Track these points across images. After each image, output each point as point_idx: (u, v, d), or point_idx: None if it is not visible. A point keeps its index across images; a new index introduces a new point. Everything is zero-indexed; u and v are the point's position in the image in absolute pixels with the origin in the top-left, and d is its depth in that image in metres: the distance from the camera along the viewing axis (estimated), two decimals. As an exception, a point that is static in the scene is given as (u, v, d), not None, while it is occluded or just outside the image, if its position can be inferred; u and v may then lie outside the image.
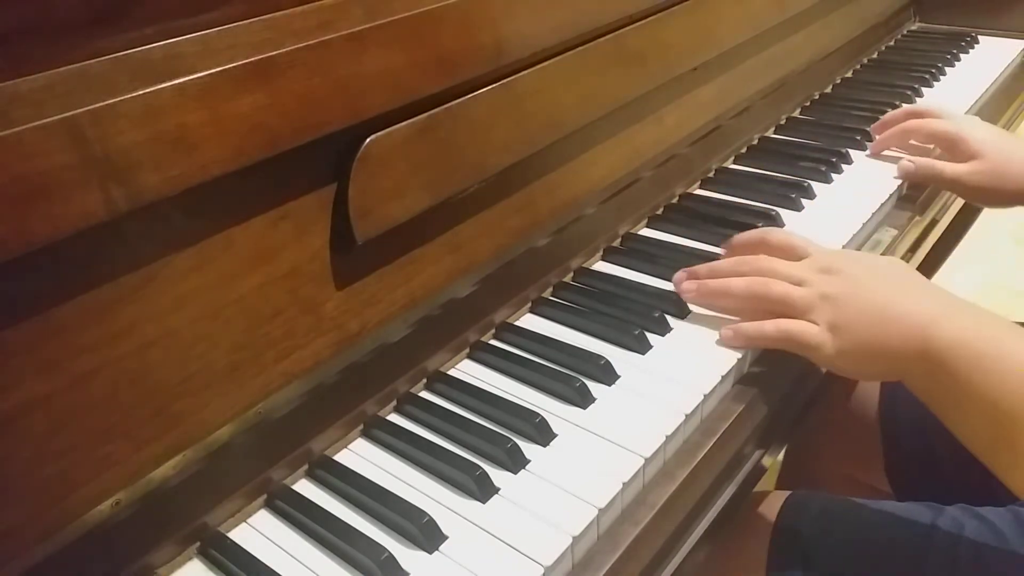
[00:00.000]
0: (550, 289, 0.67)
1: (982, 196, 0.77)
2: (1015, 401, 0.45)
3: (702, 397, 0.53)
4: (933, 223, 0.83)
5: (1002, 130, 0.80)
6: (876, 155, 0.84)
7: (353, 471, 0.50)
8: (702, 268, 0.62)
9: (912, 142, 0.83)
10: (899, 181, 0.79)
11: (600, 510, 0.46)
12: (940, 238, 0.89)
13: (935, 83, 1.04)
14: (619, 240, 0.73)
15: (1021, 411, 0.45)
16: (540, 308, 0.65)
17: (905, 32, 1.23)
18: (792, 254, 0.59)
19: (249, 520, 0.49)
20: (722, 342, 0.57)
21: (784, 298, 0.55)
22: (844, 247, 0.70)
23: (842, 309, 0.53)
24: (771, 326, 0.55)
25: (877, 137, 0.84)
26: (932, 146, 0.81)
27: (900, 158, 0.80)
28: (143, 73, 0.40)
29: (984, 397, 0.46)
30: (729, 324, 0.58)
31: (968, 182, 0.74)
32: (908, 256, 0.79)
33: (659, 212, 0.77)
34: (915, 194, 0.80)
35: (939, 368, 0.48)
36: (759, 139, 0.91)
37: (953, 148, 0.76)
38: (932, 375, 0.49)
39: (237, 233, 0.45)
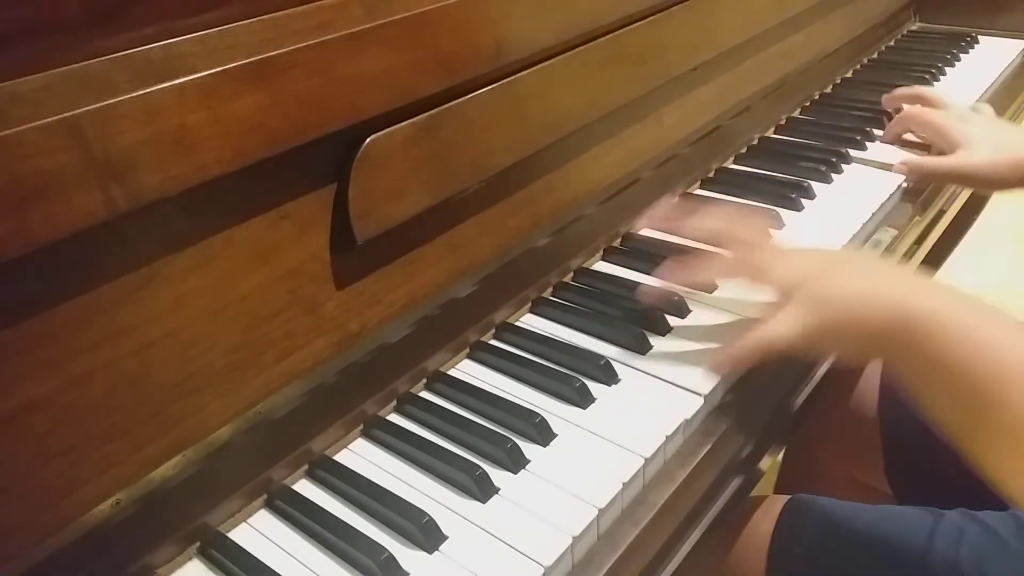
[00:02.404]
0: (550, 289, 0.67)
1: (976, 182, 0.79)
2: (987, 375, 0.45)
3: (703, 397, 0.53)
4: (933, 223, 0.83)
5: (995, 119, 0.82)
6: (889, 142, 0.88)
7: (353, 471, 0.50)
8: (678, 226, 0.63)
9: (909, 136, 0.87)
10: (899, 181, 0.79)
11: (600, 510, 0.46)
12: (940, 238, 0.89)
13: (935, 83, 1.04)
14: (619, 240, 0.73)
15: (993, 386, 0.44)
16: (540, 308, 0.65)
17: (905, 32, 1.23)
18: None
19: (249, 520, 0.49)
20: (712, 371, 0.55)
21: (766, 271, 0.55)
22: (844, 247, 0.70)
23: (823, 283, 0.52)
24: (740, 349, 0.53)
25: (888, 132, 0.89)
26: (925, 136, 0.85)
27: (901, 156, 0.82)
28: (143, 73, 0.40)
29: (958, 372, 0.46)
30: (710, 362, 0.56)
31: (962, 172, 0.77)
32: (908, 256, 0.79)
33: (659, 212, 0.77)
34: (916, 193, 0.80)
35: (915, 342, 0.48)
36: (759, 139, 0.91)
37: (940, 138, 0.80)
38: (909, 349, 0.48)
39: (237, 233, 0.45)
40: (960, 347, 0.46)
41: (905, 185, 0.80)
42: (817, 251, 0.59)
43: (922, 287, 0.50)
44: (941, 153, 0.80)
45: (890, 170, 0.81)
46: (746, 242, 0.58)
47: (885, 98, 0.92)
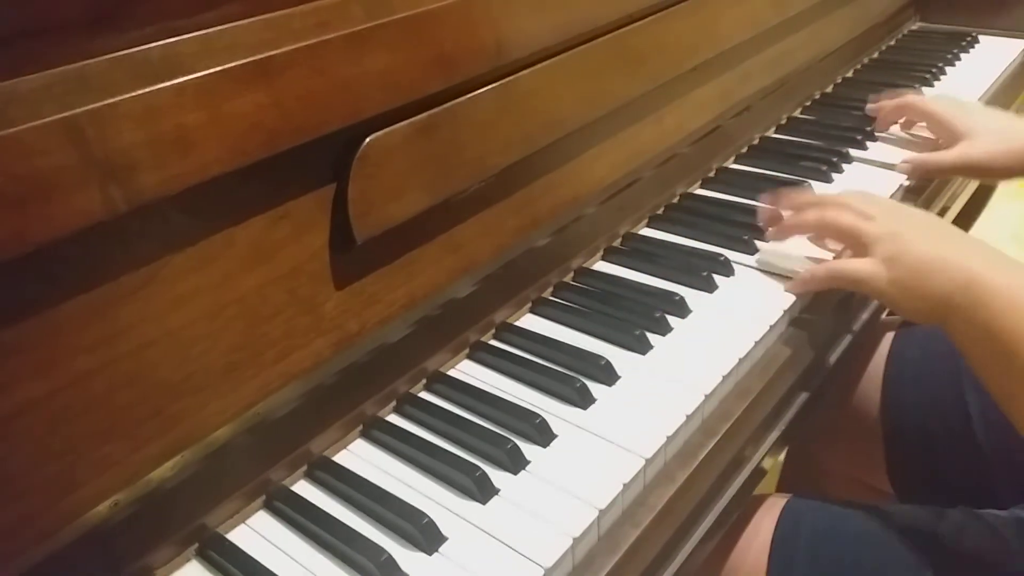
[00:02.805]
0: (550, 289, 0.67)
1: (982, 173, 0.80)
2: None
3: (703, 397, 0.53)
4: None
5: (995, 109, 0.83)
6: (882, 130, 0.89)
7: (352, 472, 0.50)
8: (785, 198, 0.68)
9: (908, 133, 0.88)
10: (900, 180, 0.79)
11: (601, 511, 0.46)
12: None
13: (936, 83, 1.04)
14: (620, 240, 0.73)
15: None
16: (540, 308, 0.65)
17: (906, 32, 1.23)
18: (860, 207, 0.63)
19: (248, 521, 0.48)
20: (789, 290, 0.63)
21: (852, 228, 0.60)
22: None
23: (905, 243, 0.56)
24: (822, 269, 0.61)
25: (875, 106, 0.90)
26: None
27: (901, 156, 0.82)
28: (142, 73, 0.40)
29: (1007, 340, 0.49)
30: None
31: (966, 163, 0.77)
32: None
33: (660, 212, 0.77)
34: (917, 192, 0.80)
35: (979, 314, 0.51)
36: (760, 139, 0.91)
37: (940, 129, 0.81)
38: (972, 321, 0.51)
39: (236, 233, 0.45)
40: (1012, 316, 0.49)
41: (907, 184, 0.80)
42: (898, 209, 0.63)
43: (988, 258, 0.53)
44: (940, 148, 0.79)
45: (892, 169, 0.81)
46: (839, 204, 0.63)
47: (870, 106, 0.90)
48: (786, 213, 0.69)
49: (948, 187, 0.85)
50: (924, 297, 0.55)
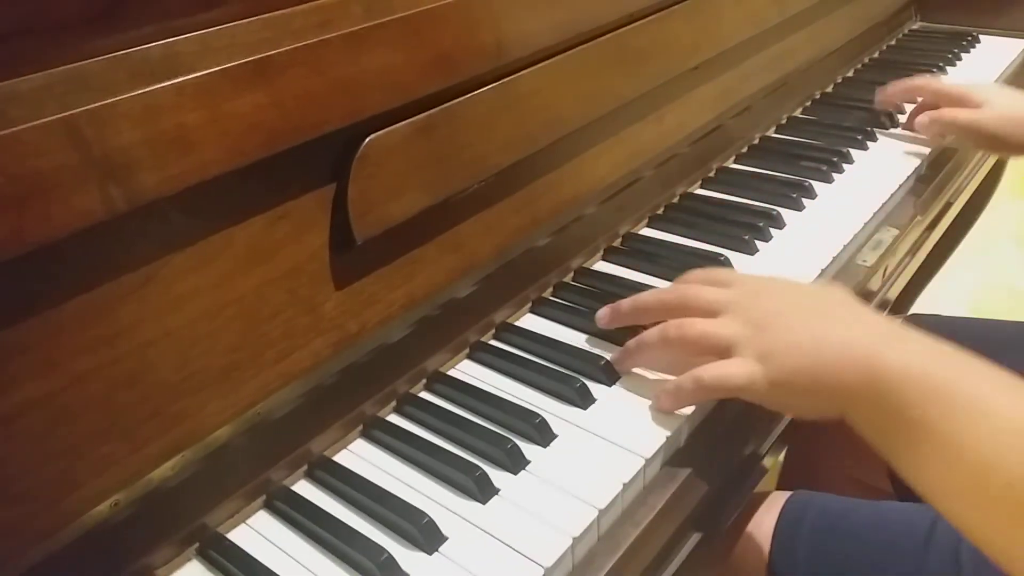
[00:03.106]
0: (550, 289, 0.66)
1: (997, 143, 0.80)
2: (988, 453, 0.39)
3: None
4: (935, 222, 0.83)
5: (1010, 88, 0.85)
6: (881, 104, 0.90)
7: (352, 472, 0.50)
8: (624, 303, 0.57)
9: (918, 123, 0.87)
10: (901, 180, 0.79)
11: (600, 511, 0.46)
12: (941, 238, 0.89)
13: (936, 82, 1.03)
14: (620, 240, 0.73)
15: (999, 465, 0.39)
16: (540, 308, 0.65)
17: (906, 31, 1.23)
18: (716, 283, 0.53)
19: (248, 521, 0.48)
20: (657, 407, 0.52)
21: (703, 336, 0.49)
22: (846, 246, 0.70)
23: (772, 334, 0.47)
24: (688, 381, 0.49)
25: (883, 95, 0.90)
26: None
27: (905, 156, 0.82)
28: (141, 72, 0.40)
29: (947, 442, 0.40)
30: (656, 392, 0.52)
31: (982, 126, 0.78)
32: (909, 256, 0.78)
33: (660, 212, 0.77)
34: (918, 192, 0.80)
35: (887, 401, 0.42)
36: (760, 138, 0.91)
37: (960, 102, 0.81)
38: (879, 409, 0.43)
39: (236, 233, 0.45)
40: (944, 416, 0.40)
41: (920, 173, 0.80)
42: (755, 288, 0.52)
43: (888, 335, 0.45)
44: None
45: (893, 168, 0.81)
46: (679, 304, 0.53)
47: (880, 99, 0.91)
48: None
49: (950, 185, 0.85)
50: (814, 393, 0.45)
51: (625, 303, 0.57)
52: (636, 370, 0.56)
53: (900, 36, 1.21)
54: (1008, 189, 1.45)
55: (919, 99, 0.88)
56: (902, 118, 0.92)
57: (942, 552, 0.56)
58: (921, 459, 0.42)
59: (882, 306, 0.77)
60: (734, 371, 0.47)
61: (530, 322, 0.63)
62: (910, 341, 0.44)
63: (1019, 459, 0.38)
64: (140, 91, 0.39)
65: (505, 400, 0.54)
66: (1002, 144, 0.80)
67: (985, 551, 0.40)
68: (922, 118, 0.83)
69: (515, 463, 0.49)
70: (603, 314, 0.58)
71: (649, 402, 0.53)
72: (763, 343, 0.47)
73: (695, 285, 0.54)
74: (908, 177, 0.81)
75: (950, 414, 0.40)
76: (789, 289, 0.52)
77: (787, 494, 0.65)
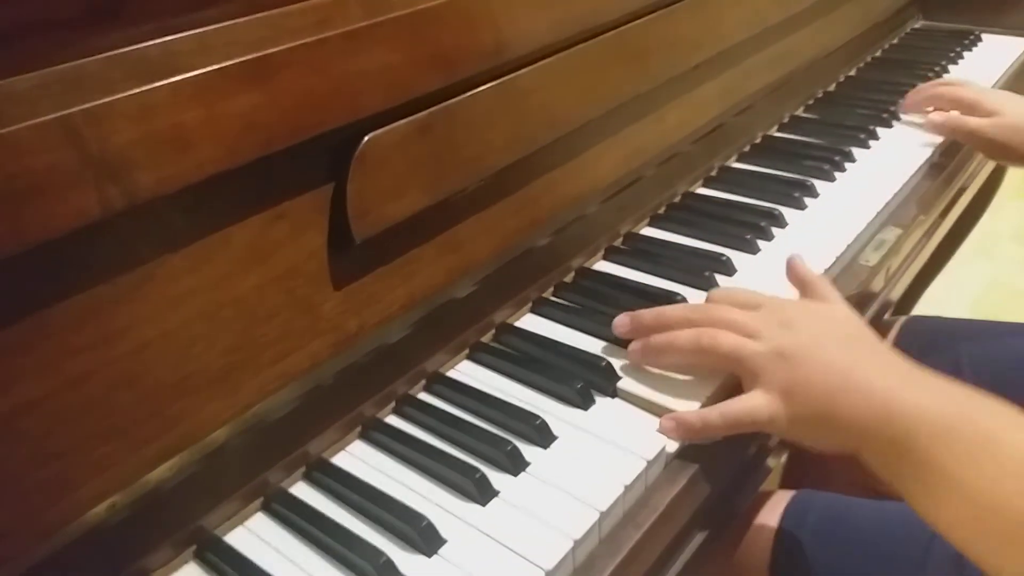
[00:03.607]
0: (550, 289, 0.66)
1: (1004, 152, 0.82)
2: (999, 494, 0.41)
3: (704, 398, 0.53)
4: (938, 222, 0.83)
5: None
6: (905, 111, 0.92)
7: (351, 474, 0.50)
8: (647, 314, 0.56)
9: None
10: (904, 179, 0.79)
11: (602, 513, 0.45)
12: (945, 237, 0.89)
13: (939, 81, 1.03)
14: (621, 239, 0.73)
15: (1008, 506, 0.40)
16: (540, 308, 0.64)
17: (909, 30, 1.22)
18: (744, 305, 0.54)
19: (246, 523, 0.48)
20: (662, 432, 0.51)
21: (734, 352, 0.50)
22: (849, 246, 0.69)
23: (799, 371, 0.48)
24: (716, 415, 0.49)
25: (907, 102, 0.92)
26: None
27: (908, 155, 0.83)
28: (139, 71, 0.40)
29: (959, 484, 0.42)
30: (669, 415, 0.51)
31: (988, 135, 0.81)
32: (912, 256, 0.78)
33: (661, 211, 0.77)
34: (921, 191, 0.80)
35: (900, 441, 0.44)
36: (762, 137, 0.90)
37: (973, 109, 0.84)
38: (892, 449, 0.44)
39: (234, 233, 0.45)
40: (957, 459, 0.42)
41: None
42: (785, 313, 0.52)
43: (906, 376, 0.46)
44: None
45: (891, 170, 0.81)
46: (716, 317, 0.53)
47: (903, 107, 0.92)
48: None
49: (953, 184, 0.84)
50: (832, 429, 0.47)
51: (647, 315, 0.56)
52: (636, 370, 0.56)
53: (902, 35, 1.20)
54: (1011, 189, 1.44)
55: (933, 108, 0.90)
56: (904, 117, 0.92)
57: (945, 552, 0.56)
58: (933, 498, 0.44)
59: (885, 306, 0.76)
60: (759, 406, 0.48)
61: (530, 322, 0.63)
62: (926, 382, 0.46)
63: None
64: (137, 90, 0.39)
65: (505, 401, 0.54)
66: (1010, 154, 0.82)
67: None
68: (934, 116, 0.86)
69: (515, 465, 0.49)
70: (622, 323, 0.57)
71: (649, 402, 0.53)
72: (788, 376, 0.48)
73: (723, 306, 0.54)
74: (911, 176, 0.81)
75: (959, 455, 0.42)
76: (816, 320, 0.52)
77: (790, 493, 0.65)
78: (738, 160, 0.86)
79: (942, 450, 0.42)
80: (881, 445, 0.45)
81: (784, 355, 0.49)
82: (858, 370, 0.47)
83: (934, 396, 0.44)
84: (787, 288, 0.58)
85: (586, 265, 0.69)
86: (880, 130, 0.89)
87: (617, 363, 0.56)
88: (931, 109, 0.89)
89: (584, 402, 0.53)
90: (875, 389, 0.45)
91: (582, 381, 0.54)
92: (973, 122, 0.82)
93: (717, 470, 0.51)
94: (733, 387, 0.52)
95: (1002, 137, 0.81)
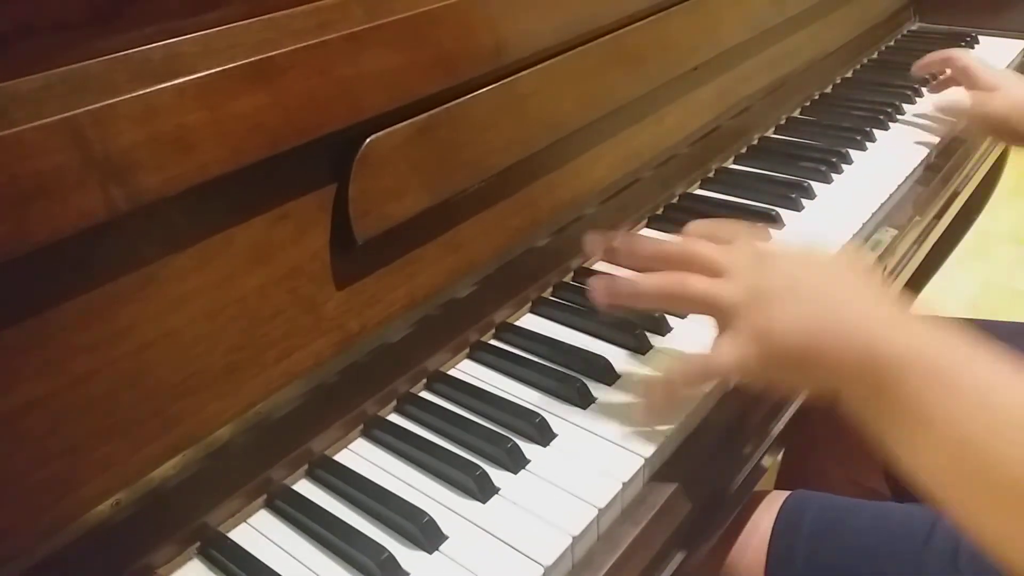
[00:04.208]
0: (550, 289, 0.67)
1: (1003, 130, 0.84)
2: (991, 446, 0.38)
3: (702, 396, 0.53)
4: (934, 223, 0.83)
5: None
6: (918, 72, 0.96)
7: (353, 471, 0.50)
8: (621, 244, 0.54)
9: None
10: (900, 181, 0.79)
11: (600, 510, 0.46)
12: (941, 238, 0.89)
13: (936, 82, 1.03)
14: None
15: (985, 437, 0.38)
16: (540, 308, 0.65)
17: (905, 32, 1.23)
18: (720, 239, 0.51)
19: (249, 520, 0.48)
20: (647, 407, 0.50)
21: (704, 297, 0.48)
22: (845, 247, 0.70)
23: (771, 310, 0.45)
24: (679, 375, 0.48)
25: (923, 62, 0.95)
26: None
27: (905, 156, 0.84)
28: (143, 73, 0.40)
29: (946, 430, 0.39)
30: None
31: (988, 110, 0.83)
32: (907, 257, 0.78)
33: (659, 212, 0.77)
34: (916, 192, 0.80)
35: (885, 384, 0.41)
36: (759, 139, 0.91)
37: (970, 82, 0.86)
38: (876, 392, 0.41)
39: (237, 233, 0.45)
40: (945, 399, 0.39)
41: (910, 182, 0.81)
42: (762, 252, 0.49)
43: (892, 317, 0.43)
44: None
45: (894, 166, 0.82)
46: (688, 256, 0.50)
47: (916, 68, 0.96)
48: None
49: (950, 184, 0.85)
50: (810, 371, 0.44)
51: (621, 243, 0.54)
52: (637, 371, 0.56)
53: (899, 37, 1.21)
54: (1007, 189, 1.45)
55: (948, 71, 0.93)
56: (901, 116, 0.93)
57: (941, 554, 0.56)
58: (917, 446, 0.41)
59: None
60: (727, 354, 0.46)
61: (530, 322, 0.63)
62: (914, 324, 0.43)
63: (1022, 455, 0.37)
64: (141, 92, 0.39)
65: (505, 399, 0.55)
66: (1009, 132, 0.83)
67: (980, 541, 0.40)
68: (937, 99, 0.90)
69: (515, 462, 0.49)
70: (592, 243, 0.57)
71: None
72: (761, 318, 0.45)
73: (700, 241, 0.52)
74: (907, 177, 0.81)
75: (951, 402, 0.39)
76: (793, 262, 0.49)
77: (785, 494, 0.65)
78: (735, 162, 0.87)
79: (931, 395, 0.39)
80: (864, 389, 0.42)
81: (758, 295, 0.46)
82: (840, 311, 0.44)
83: (924, 338, 0.41)
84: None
85: (586, 265, 0.70)
86: (876, 132, 0.90)
87: (616, 362, 0.57)
88: (948, 72, 0.92)
89: (583, 400, 0.54)
90: (858, 330, 0.42)
91: (581, 380, 0.54)
92: (974, 96, 0.84)
93: (713, 469, 0.51)
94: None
95: (1004, 113, 0.82)
